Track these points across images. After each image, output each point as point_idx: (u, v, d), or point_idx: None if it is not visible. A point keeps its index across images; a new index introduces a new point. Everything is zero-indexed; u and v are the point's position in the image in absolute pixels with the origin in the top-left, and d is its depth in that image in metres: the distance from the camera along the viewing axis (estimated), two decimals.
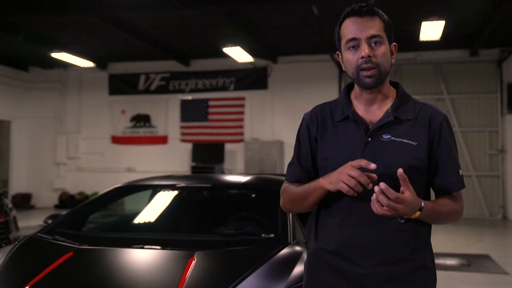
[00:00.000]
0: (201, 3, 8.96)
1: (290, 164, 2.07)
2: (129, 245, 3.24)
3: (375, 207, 1.65)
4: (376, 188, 1.63)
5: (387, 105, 1.89)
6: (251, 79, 13.35)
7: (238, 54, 11.61)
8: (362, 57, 1.79)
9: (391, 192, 1.62)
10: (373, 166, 1.66)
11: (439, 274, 6.47)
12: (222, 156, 12.89)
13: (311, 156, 2.00)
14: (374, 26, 1.81)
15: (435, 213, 1.80)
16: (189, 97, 13.71)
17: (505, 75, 12.03)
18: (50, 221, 3.85)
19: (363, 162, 1.68)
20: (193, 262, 2.84)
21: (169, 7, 8.92)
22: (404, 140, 1.82)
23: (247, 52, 11.45)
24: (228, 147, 13.18)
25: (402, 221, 1.80)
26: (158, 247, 3.17)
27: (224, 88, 13.53)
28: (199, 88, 13.71)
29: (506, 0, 8.30)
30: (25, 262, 3.07)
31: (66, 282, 2.82)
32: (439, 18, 8.94)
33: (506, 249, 8.64)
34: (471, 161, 12.01)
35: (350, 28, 1.83)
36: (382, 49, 1.81)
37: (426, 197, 1.89)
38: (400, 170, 1.64)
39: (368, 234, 1.81)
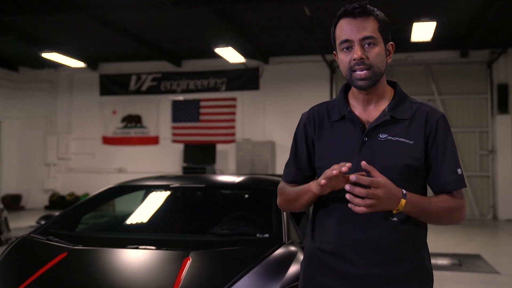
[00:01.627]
0: (193, 3, 8.94)
1: (287, 164, 2.08)
2: (124, 246, 3.23)
3: (357, 203, 1.61)
4: (347, 187, 1.60)
5: (384, 104, 1.89)
6: (243, 79, 13.35)
7: (230, 55, 11.61)
8: (354, 59, 1.79)
9: (364, 179, 1.60)
10: (348, 165, 1.64)
11: None
12: (214, 156, 12.88)
13: (307, 157, 2.01)
14: (368, 27, 1.80)
15: (423, 206, 1.76)
16: (180, 97, 13.69)
17: (495, 76, 12.12)
18: (43, 222, 3.83)
19: (345, 166, 1.65)
20: (188, 262, 2.84)
21: (160, 7, 8.90)
22: (400, 139, 1.82)
23: (238, 52, 11.46)
24: (219, 147, 13.17)
25: (395, 218, 1.79)
26: (153, 247, 3.16)
27: (215, 89, 13.51)
28: (190, 88, 13.69)
29: (496, 1, 8.36)
30: (20, 262, 3.05)
31: (60, 283, 2.81)
32: (430, 20, 9.00)
33: (497, 249, 8.70)
34: (462, 162, 12.05)
35: (343, 29, 1.83)
36: (376, 50, 1.80)
37: None
38: (363, 162, 1.64)
39: (365, 235, 1.81)
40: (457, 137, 12.00)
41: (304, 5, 8.93)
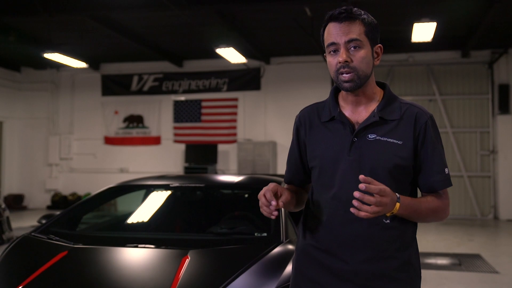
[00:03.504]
0: (193, 3, 8.98)
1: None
2: (123, 244, 3.26)
3: (366, 210, 1.64)
4: (356, 194, 1.63)
5: (374, 105, 1.92)
6: (244, 80, 13.38)
7: (231, 55, 11.62)
8: (340, 62, 1.83)
9: (374, 188, 1.63)
10: (274, 203, 1.78)
11: (431, 273, 6.46)
12: (215, 156, 12.91)
13: (299, 158, 2.08)
14: (353, 31, 1.83)
15: (415, 208, 1.81)
16: (182, 97, 13.72)
17: (496, 76, 12.13)
18: (44, 221, 3.86)
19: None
20: (187, 261, 2.87)
21: (161, 8, 8.94)
22: (389, 140, 1.85)
23: (240, 53, 11.47)
24: (221, 147, 13.20)
25: (388, 221, 1.83)
26: (152, 246, 3.19)
27: (217, 89, 13.55)
28: (192, 88, 13.72)
29: (496, 2, 8.38)
30: (20, 261, 3.08)
31: (60, 281, 2.83)
32: (431, 20, 9.00)
33: (497, 249, 8.71)
34: (463, 162, 12.09)
35: (330, 32, 1.87)
36: (361, 54, 1.84)
37: (412, 196, 1.91)
38: (361, 176, 1.65)
39: (354, 232, 1.85)
40: (458, 137, 12.06)
41: (305, 6, 8.96)
